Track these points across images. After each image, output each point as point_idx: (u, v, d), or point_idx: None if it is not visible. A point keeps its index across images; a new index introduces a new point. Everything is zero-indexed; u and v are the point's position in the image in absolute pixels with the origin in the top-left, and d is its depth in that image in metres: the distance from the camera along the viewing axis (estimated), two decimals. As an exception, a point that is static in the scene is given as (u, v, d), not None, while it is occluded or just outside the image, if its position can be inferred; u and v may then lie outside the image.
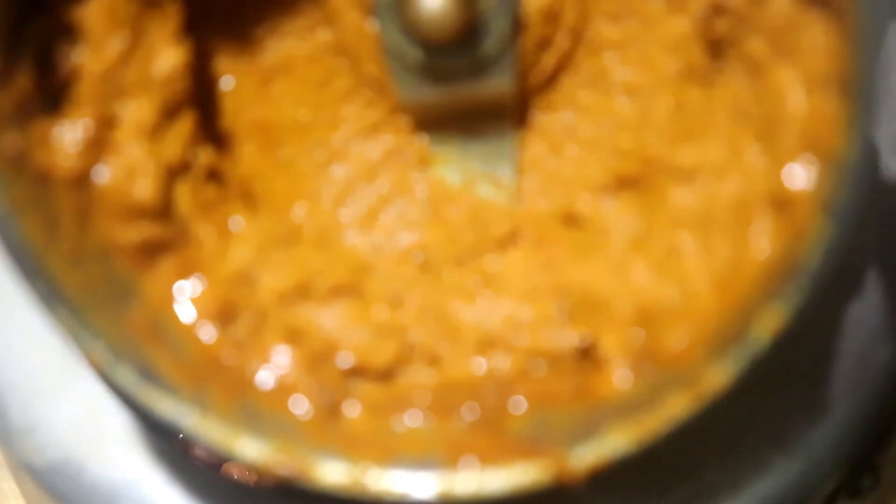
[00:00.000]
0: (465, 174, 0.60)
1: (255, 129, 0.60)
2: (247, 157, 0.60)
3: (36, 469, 0.63)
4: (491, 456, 0.47)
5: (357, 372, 0.54)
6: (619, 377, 0.49)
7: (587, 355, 0.52)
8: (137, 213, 0.51)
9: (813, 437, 0.59)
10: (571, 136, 0.59)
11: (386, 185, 0.61)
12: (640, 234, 0.52)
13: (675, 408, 0.45)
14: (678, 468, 0.59)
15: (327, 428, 0.50)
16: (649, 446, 0.46)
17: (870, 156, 0.42)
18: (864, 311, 0.59)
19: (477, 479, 0.47)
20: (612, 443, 0.46)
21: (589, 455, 0.46)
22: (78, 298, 0.48)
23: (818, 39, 0.43)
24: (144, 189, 0.50)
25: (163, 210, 0.52)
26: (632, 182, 0.53)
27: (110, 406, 0.62)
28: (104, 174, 0.50)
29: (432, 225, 0.59)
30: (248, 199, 0.58)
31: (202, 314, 0.52)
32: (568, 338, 0.52)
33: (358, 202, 0.61)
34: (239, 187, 0.57)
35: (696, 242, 0.49)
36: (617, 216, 0.53)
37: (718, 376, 0.44)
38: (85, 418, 0.62)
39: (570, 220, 0.55)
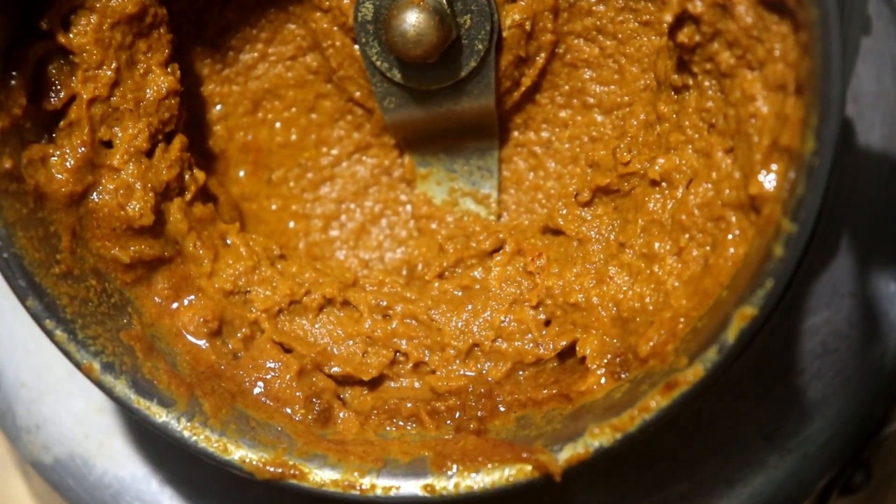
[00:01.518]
0: (449, 192, 0.62)
1: (246, 153, 0.62)
2: (239, 179, 0.62)
3: (43, 465, 0.64)
4: (475, 458, 0.49)
5: (347, 380, 0.55)
6: (597, 379, 0.50)
7: (567, 359, 0.54)
8: (131, 231, 0.52)
9: (806, 434, 0.60)
10: (550, 152, 0.61)
11: (374, 203, 0.63)
12: (617, 241, 0.54)
13: (648, 406, 0.46)
14: (673, 464, 0.60)
15: (318, 434, 0.52)
16: (627, 442, 0.47)
17: (832, 157, 0.43)
18: (856, 310, 0.61)
19: (462, 482, 0.48)
20: (589, 442, 0.47)
21: (566, 455, 0.47)
22: (72, 314, 0.50)
23: (780, 47, 0.44)
24: (137, 208, 0.52)
25: (156, 228, 0.54)
26: (608, 192, 0.55)
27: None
28: (98, 194, 0.52)
29: (418, 241, 0.61)
30: (241, 218, 0.60)
31: (196, 327, 0.54)
32: (548, 343, 0.54)
33: (347, 221, 0.63)
34: (231, 207, 0.59)
35: (669, 247, 0.51)
36: (594, 225, 0.55)
37: (690, 375, 0.46)
38: (90, 415, 0.64)
39: (550, 230, 0.57)
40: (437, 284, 0.58)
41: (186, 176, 0.55)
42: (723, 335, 0.45)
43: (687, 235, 0.50)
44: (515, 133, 0.61)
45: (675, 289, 0.50)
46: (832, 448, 0.60)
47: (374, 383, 0.56)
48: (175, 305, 0.54)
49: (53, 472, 0.64)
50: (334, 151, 0.63)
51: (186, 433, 0.49)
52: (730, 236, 0.47)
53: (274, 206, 0.62)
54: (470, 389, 0.54)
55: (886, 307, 0.61)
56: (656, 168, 0.52)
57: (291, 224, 0.62)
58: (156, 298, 0.54)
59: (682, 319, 0.48)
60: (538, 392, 0.52)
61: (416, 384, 0.56)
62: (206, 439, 0.50)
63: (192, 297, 0.54)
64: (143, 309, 0.53)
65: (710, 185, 0.49)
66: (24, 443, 0.65)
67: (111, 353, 0.50)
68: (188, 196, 0.55)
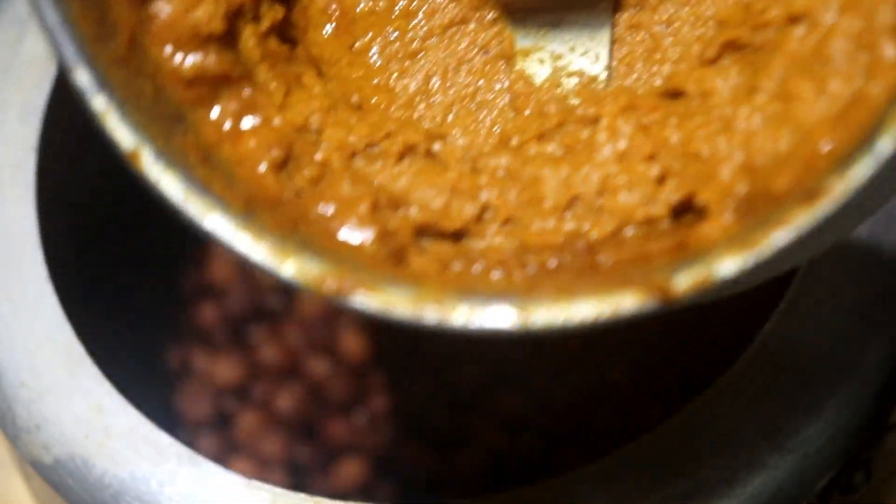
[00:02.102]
0: (552, 71, 0.55)
1: (329, 15, 0.56)
2: (319, 40, 0.56)
3: (42, 466, 0.63)
4: (572, 287, 0.41)
5: (427, 230, 0.48)
6: (720, 222, 0.43)
7: (682, 216, 0.47)
8: (197, 39, 0.47)
9: (806, 434, 0.58)
10: (669, 33, 0.54)
11: (467, 81, 0.57)
12: (747, 89, 0.47)
13: (787, 219, 0.39)
14: (673, 464, 0.58)
15: (391, 268, 0.45)
16: (758, 272, 0.40)
17: None
18: (857, 308, 0.60)
19: (561, 307, 0.41)
20: (716, 266, 0.40)
21: (688, 279, 0.40)
22: (123, 97, 0.44)
23: None
24: (206, 14, 0.47)
25: (225, 40, 0.48)
26: (738, 47, 0.49)
27: (116, 403, 0.63)
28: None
29: (514, 119, 0.55)
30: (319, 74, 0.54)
31: (260, 155, 0.47)
32: (663, 199, 0.47)
33: (436, 98, 0.57)
34: (309, 60, 0.53)
35: (811, 86, 0.44)
36: (721, 80, 0.49)
37: (841, 185, 0.39)
38: (91, 415, 0.62)
39: (669, 94, 0.50)
40: (534, 145, 0.51)
41: (264, 5, 0.50)
42: (878, 141, 0.38)
43: (830, 72, 0.44)
44: (630, 11, 0.55)
45: (818, 123, 0.43)
46: (832, 448, 0.59)
47: (457, 237, 0.49)
48: (240, 128, 0.48)
49: (53, 472, 0.62)
50: (426, 23, 0.57)
51: (241, 235, 0.43)
52: (880, 68, 0.41)
53: (354, 76, 0.57)
54: (568, 247, 0.47)
55: (887, 307, 0.60)
56: (796, 8, 0.46)
57: (374, 99, 0.57)
58: (218, 121, 0.48)
59: (820, 161, 0.42)
60: (649, 249, 0.45)
61: (505, 239, 0.49)
62: (263, 249, 0.42)
63: (258, 121, 0.48)
64: (202, 131, 0.47)
65: (857, 15, 0.43)
66: (24, 443, 0.63)
67: (162, 151, 0.44)
68: (263, 25, 0.50)
